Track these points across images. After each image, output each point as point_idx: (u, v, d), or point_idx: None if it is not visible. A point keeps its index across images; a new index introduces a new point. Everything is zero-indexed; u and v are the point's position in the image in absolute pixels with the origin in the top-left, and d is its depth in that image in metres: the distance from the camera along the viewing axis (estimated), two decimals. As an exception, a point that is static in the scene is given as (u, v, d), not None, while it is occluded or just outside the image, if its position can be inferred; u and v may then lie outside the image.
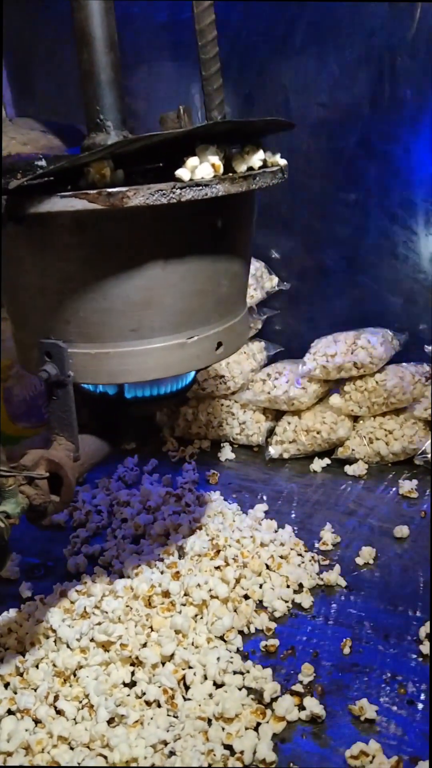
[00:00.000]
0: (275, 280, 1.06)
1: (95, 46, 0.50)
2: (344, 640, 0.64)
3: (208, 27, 0.59)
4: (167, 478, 0.93)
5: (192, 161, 0.45)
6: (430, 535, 0.77)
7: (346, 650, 0.63)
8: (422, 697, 0.58)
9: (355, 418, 0.96)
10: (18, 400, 0.94)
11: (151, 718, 0.58)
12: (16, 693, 0.61)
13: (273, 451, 0.97)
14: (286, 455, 0.97)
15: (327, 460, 0.95)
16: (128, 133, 0.53)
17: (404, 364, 0.95)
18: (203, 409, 1.03)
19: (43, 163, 0.46)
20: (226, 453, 1.00)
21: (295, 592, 0.71)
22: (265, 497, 0.88)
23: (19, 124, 0.58)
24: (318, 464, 0.94)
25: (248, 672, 0.61)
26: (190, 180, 0.45)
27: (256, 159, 0.50)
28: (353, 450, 0.93)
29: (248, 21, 0.98)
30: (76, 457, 0.51)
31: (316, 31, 0.95)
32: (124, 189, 0.43)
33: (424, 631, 0.64)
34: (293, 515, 0.84)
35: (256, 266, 1.04)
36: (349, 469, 0.92)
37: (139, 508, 0.86)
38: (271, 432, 1.01)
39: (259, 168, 0.51)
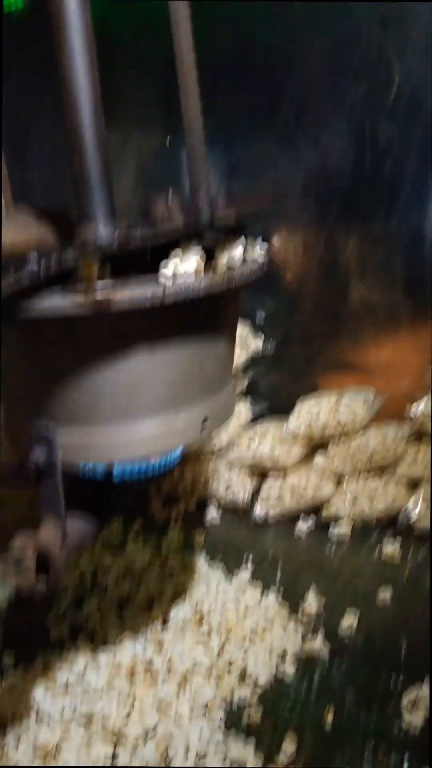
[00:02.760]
0: (260, 340, 1.08)
1: (85, 145, 0.53)
2: (327, 708, 0.64)
3: (195, 116, 0.62)
4: (152, 541, 0.93)
5: (175, 260, 0.48)
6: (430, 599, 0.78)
7: (329, 719, 0.63)
8: (405, 766, 0.58)
9: (340, 478, 0.98)
10: (3, 464, 0.94)
11: (134, 798, 0.57)
12: (-3, 772, 0.60)
13: (259, 511, 0.98)
14: (271, 515, 0.98)
15: (312, 521, 0.96)
16: (117, 225, 0.55)
17: (386, 423, 0.97)
18: (189, 468, 1.04)
19: (33, 258, 0.48)
20: (212, 513, 1.01)
21: (279, 660, 0.71)
22: (250, 560, 0.89)
23: (11, 213, 0.61)
24: (303, 524, 0.95)
25: (231, 748, 0.61)
26: (173, 279, 0.47)
27: (238, 251, 0.52)
28: (337, 510, 0.94)
29: (233, 97, 1.03)
30: (65, 538, 0.52)
31: (298, 105, 1.00)
32: (110, 288, 0.45)
33: (407, 698, 0.64)
34: (278, 579, 0.84)
35: (242, 328, 1.07)
36: (334, 530, 0.93)
37: (123, 572, 0.86)
38: (257, 491, 1.02)
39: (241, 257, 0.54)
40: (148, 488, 1.06)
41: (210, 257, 0.54)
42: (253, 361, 1.10)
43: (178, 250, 0.50)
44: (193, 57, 0.57)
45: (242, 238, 0.56)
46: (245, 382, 1.09)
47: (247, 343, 1.06)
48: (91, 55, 0.52)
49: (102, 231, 0.54)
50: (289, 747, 0.61)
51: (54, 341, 0.49)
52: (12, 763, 0.61)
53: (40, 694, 0.68)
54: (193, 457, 1.05)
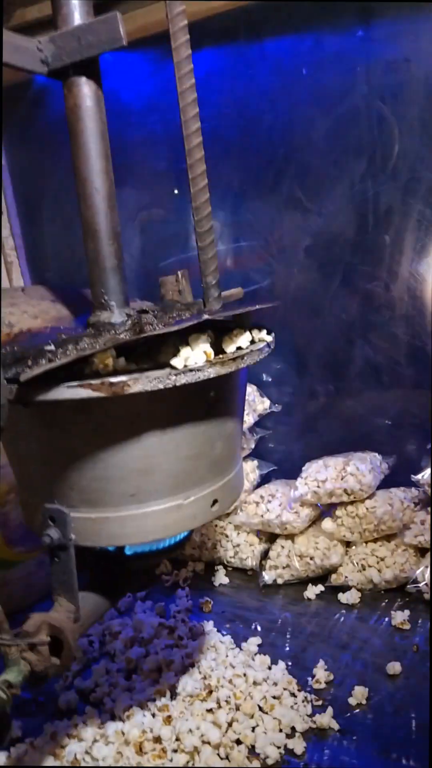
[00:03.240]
0: (267, 402, 1.10)
1: (100, 237, 0.56)
2: (337, 793, 0.63)
3: (203, 204, 0.66)
4: (160, 606, 0.93)
5: (185, 352, 0.50)
6: (430, 671, 0.77)
7: (340, 803, 0.62)
8: None
9: (348, 544, 0.98)
10: (15, 525, 0.96)
11: None
12: None
13: (267, 576, 0.98)
14: (280, 581, 0.97)
15: (321, 587, 0.96)
16: (130, 311, 0.58)
17: (393, 489, 0.98)
18: (197, 530, 1.05)
19: (51, 347, 0.51)
20: (220, 577, 1.01)
21: (287, 736, 0.70)
22: (258, 628, 0.88)
23: (30, 294, 0.64)
24: (312, 591, 0.95)
25: None
26: (184, 367, 0.49)
27: (244, 340, 0.55)
28: (346, 577, 0.94)
29: (239, 171, 1.08)
30: (77, 617, 0.52)
31: (301, 181, 1.04)
32: (125, 378, 0.47)
33: (418, 782, 0.63)
34: (287, 648, 0.84)
35: (249, 390, 1.09)
36: (343, 597, 0.93)
37: (131, 639, 0.86)
38: (265, 554, 1.03)
39: (248, 346, 0.56)
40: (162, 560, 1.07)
41: (219, 347, 0.56)
42: (260, 424, 1.12)
43: (188, 348, 0.52)
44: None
45: (247, 334, 0.59)
46: (252, 444, 1.11)
47: (254, 405, 1.08)
48: (106, 151, 0.56)
49: (115, 318, 0.57)
50: None
51: (68, 426, 0.51)
52: None
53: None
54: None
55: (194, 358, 0.50)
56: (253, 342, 0.57)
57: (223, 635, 0.87)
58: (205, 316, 0.51)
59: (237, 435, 0.61)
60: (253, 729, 0.71)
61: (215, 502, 0.58)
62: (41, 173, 1.26)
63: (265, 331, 0.59)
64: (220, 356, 0.53)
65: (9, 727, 0.48)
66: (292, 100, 1.02)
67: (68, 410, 0.50)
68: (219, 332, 0.58)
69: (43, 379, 0.47)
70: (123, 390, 0.47)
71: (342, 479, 0.94)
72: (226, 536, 1.04)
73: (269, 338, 0.58)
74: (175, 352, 0.51)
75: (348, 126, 0.99)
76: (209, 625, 0.88)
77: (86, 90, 0.54)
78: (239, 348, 0.54)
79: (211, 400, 0.54)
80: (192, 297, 0.73)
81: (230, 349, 0.54)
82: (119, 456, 0.52)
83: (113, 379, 0.47)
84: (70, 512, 0.52)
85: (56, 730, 0.73)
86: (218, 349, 0.55)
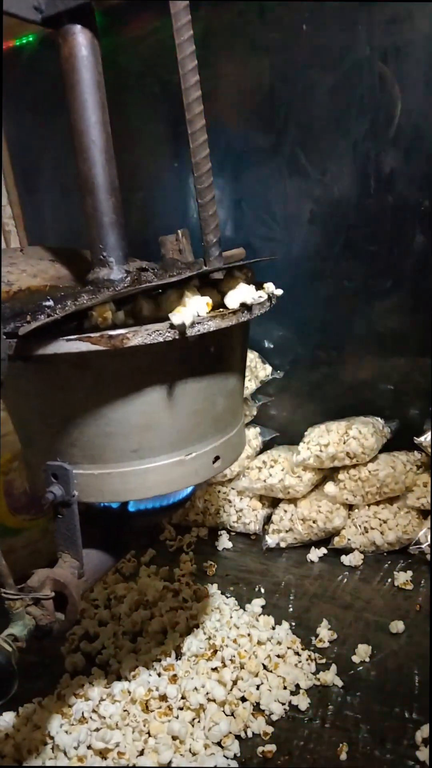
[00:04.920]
0: (268, 369, 1.10)
1: (98, 192, 0.55)
2: (340, 745, 0.64)
3: (203, 160, 0.64)
4: (165, 569, 0.94)
5: (185, 303, 0.49)
6: (430, 629, 0.78)
7: (343, 756, 0.63)
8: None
9: (350, 507, 0.98)
10: (18, 493, 0.96)
11: None
12: (12, 808, 0.61)
13: (270, 540, 0.98)
14: (283, 544, 0.98)
15: (324, 550, 0.96)
16: (130, 268, 0.57)
17: (395, 453, 0.98)
18: (200, 496, 1.05)
19: (50, 303, 0.50)
20: (224, 542, 1.01)
21: (292, 693, 0.71)
22: (262, 590, 0.89)
23: (29, 254, 0.63)
24: (315, 554, 0.95)
25: (246, 782, 0.61)
26: (184, 320, 0.49)
27: (246, 294, 0.54)
28: (349, 540, 0.94)
29: (239, 136, 1.06)
30: (81, 573, 0.53)
31: (302, 143, 1.02)
32: (124, 331, 0.47)
33: (420, 735, 0.64)
34: (290, 609, 0.85)
35: (250, 357, 1.08)
36: (346, 559, 0.93)
37: (136, 602, 0.87)
38: (268, 519, 1.03)
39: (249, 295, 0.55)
40: (157, 524, 1.07)
41: (219, 293, 0.55)
42: (262, 390, 1.11)
43: (191, 294, 0.52)
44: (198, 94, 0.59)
45: (249, 276, 0.58)
46: (254, 410, 1.10)
47: (255, 371, 1.07)
48: (102, 102, 0.55)
49: (114, 274, 0.57)
50: (303, 784, 0.61)
51: (68, 381, 0.51)
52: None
53: (56, 725, 0.68)
54: (204, 486, 1.05)
55: (194, 311, 0.49)
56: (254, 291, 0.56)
57: (227, 597, 0.87)
58: (204, 268, 0.50)
59: (238, 392, 0.61)
60: (258, 687, 0.72)
61: (217, 458, 0.57)
62: (39, 141, 1.23)
63: (271, 284, 0.58)
64: (220, 310, 0.52)
65: (15, 680, 0.48)
66: (291, 59, 0.99)
67: (68, 365, 0.49)
68: (222, 293, 0.58)
69: (43, 334, 0.47)
70: (122, 343, 0.47)
71: (344, 443, 0.94)
72: (229, 501, 1.05)
73: (270, 289, 0.57)
74: (176, 307, 0.50)
75: (350, 85, 0.96)
76: (213, 588, 0.89)
77: (81, 39, 0.52)
78: (242, 304, 0.53)
79: (211, 354, 0.53)
80: (193, 257, 0.72)
81: (231, 299, 0.53)
82: (120, 411, 0.51)
83: (112, 332, 0.47)
84: (72, 469, 0.52)
85: (63, 690, 0.74)
86: (221, 306, 0.54)
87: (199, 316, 0.49)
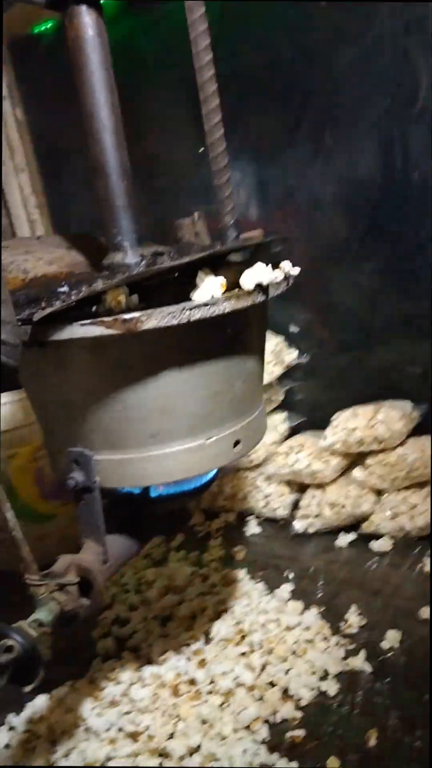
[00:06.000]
0: (294, 353, 1.08)
1: (109, 175, 0.55)
2: (370, 731, 0.63)
3: (218, 140, 0.63)
4: (194, 555, 0.94)
5: (201, 284, 0.49)
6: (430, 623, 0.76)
7: (372, 742, 0.62)
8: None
9: (379, 492, 0.96)
10: (49, 479, 0.97)
11: None
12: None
13: (298, 525, 0.97)
14: (311, 530, 0.97)
15: (352, 535, 0.95)
16: (145, 252, 0.57)
17: (424, 436, 0.96)
18: (228, 481, 1.05)
19: (65, 288, 0.50)
20: (252, 527, 1.01)
21: (320, 678, 0.71)
22: (291, 575, 0.88)
23: (46, 242, 0.63)
24: (343, 539, 0.94)
25: (274, 765, 0.61)
26: (199, 301, 0.48)
27: (262, 274, 0.53)
28: (378, 525, 0.93)
29: (259, 110, 1.04)
30: (105, 559, 0.53)
31: (324, 121, 1.00)
32: (137, 314, 0.46)
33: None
34: (319, 595, 0.84)
35: (276, 341, 1.07)
36: (375, 545, 0.92)
37: (165, 587, 0.87)
38: (296, 504, 1.02)
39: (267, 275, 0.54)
40: (188, 503, 1.07)
41: (236, 275, 0.54)
42: (288, 374, 1.10)
43: (204, 275, 0.51)
44: (212, 73, 0.58)
45: (263, 266, 0.57)
46: (281, 395, 1.09)
47: (281, 356, 1.06)
48: (111, 83, 0.54)
49: (129, 259, 0.56)
50: (332, 770, 0.60)
51: (84, 367, 0.50)
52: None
53: (87, 708, 0.69)
54: (232, 472, 1.05)
55: (211, 290, 0.48)
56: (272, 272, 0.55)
57: (256, 582, 0.87)
58: (218, 247, 0.49)
59: (258, 374, 0.60)
60: (287, 672, 0.72)
61: (237, 442, 0.57)
62: (61, 128, 1.23)
63: (287, 263, 0.57)
64: (236, 290, 0.51)
65: (40, 666, 0.48)
66: (312, 35, 0.97)
67: (83, 350, 0.49)
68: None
69: (58, 320, 0.47)
70: (136, 326, 0.46)
71: (372, 427, 0.93)
72: (257, 487, 1.04)
73: (288, 269, 0.56)
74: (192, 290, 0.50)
75: (372, 61, 0.93)
76: (242, 573, 0.89)
77: (87, 19, 0.52)
78: (258, 285, 0.52)
79: (228, 336, 0.53)
80: (209, 240, 0.71)
81: (248, 284, 0.52)
82: (137, 396, 0.51)
83: (126, 316, 0.46)
84: (93, 454, 0.52)
85: (95, 674, 0.75)
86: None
87: (213, 297, 0.49)
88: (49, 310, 0.45)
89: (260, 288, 0.52)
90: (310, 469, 0.97)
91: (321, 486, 0.99)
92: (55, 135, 1.25)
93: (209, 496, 1.07)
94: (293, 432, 1.08)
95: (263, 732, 0.65)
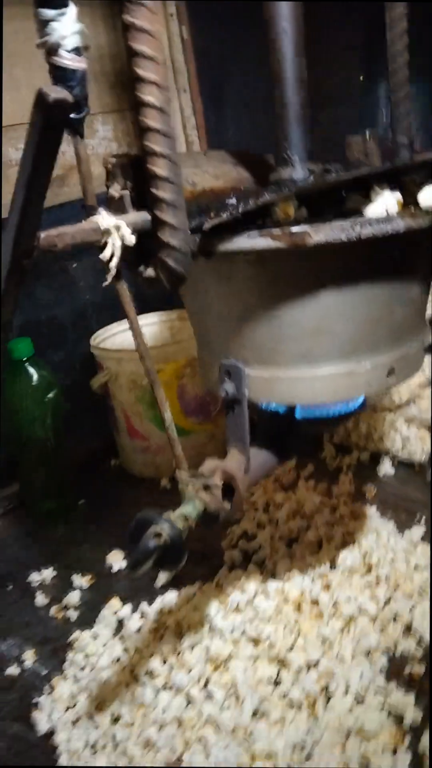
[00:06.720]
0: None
1: (286, 84, 0.53)
2: None
3: (400, 51, 0.59)
4: (323, 486, 0.95)
5: (374, 201, 0.46)
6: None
7: None
8: None
9: None
10: (190, 397, 1.01)
11: (292, 720, 0.61)
12: (172, 670, 0.68)
13: (436, 472, 0.94)
14: (449, 478, 0.93)
15: None
16: (313, 167, 0.55)
17: None
18: (364, 419, 1.03)
19: (233, 200, 0.50)
20: (386, 468, 0.99)
21: (446, 622, 0.70)
22: (423, 519, 0.86)
23: (213, 157, 0.63)
24: None
25: (390, 694, 0.62)
26: (371, 218, 0.46)
27: (440, 192, 0.49)
28: None
29: None
30: (247, 468, 0.55)
31: None
32: (306, 228, 0.45)
33: None
34: (452, 541, 0.81)
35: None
36: None
37: (294, 511, 0.89)
38: (435, 450, 0.98)
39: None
40: (322, 435, 1.07)
41: (410, 198, 0.51)
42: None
43: (381, 189, 0.49)
44: None
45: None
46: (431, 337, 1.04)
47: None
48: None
49: (297, 174, 0.55)
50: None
51: (245, 280, 0.51)
52: (185, 666, 0.68)
53: (213, 609, 0.74)
54: (369, 409, 1.03)
55: (383, 208, 0.46)
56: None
57: (386, 521, 0.86)
58: (394, 163, 0.46)
59: (422, 303, 0.57)
60: (411, 609, 0.71)
61: (392, 371, 0.55)
62: (228, 53, 1.21)
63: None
64: (411, 208, 0.48)
65: (183, 555, 0.52)
66: None
67: (247, 264, 0.50)
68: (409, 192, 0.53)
69: (225, 231, 0.47)
70: (304, 240, 0.45)
71: None
72: (395, 429, 1.01)
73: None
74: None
75: None
76: (372, 510, 0.88)
77: None
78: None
79: (396, 258, 0.50)
80: (380, 162, 0.67)
81: (426, 202, 0.49)
82: (293, 314, 0.51)
83: (295, 229, 0.45)
84: (244, 368, 0.54)
85: (222, 580, 0.79)
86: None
87: (388, 214, 0.46)
88: (218, 220, 0.46)
89: (437, 208, 0.48)
90: (457, 415, 0.92)
91: (466, 434, 0.94)
92: (219, 57, 1.23)
93: (343, 431, 1.06)
94: (441, 376, 1.03)
95: (382, 662, 0.66)
